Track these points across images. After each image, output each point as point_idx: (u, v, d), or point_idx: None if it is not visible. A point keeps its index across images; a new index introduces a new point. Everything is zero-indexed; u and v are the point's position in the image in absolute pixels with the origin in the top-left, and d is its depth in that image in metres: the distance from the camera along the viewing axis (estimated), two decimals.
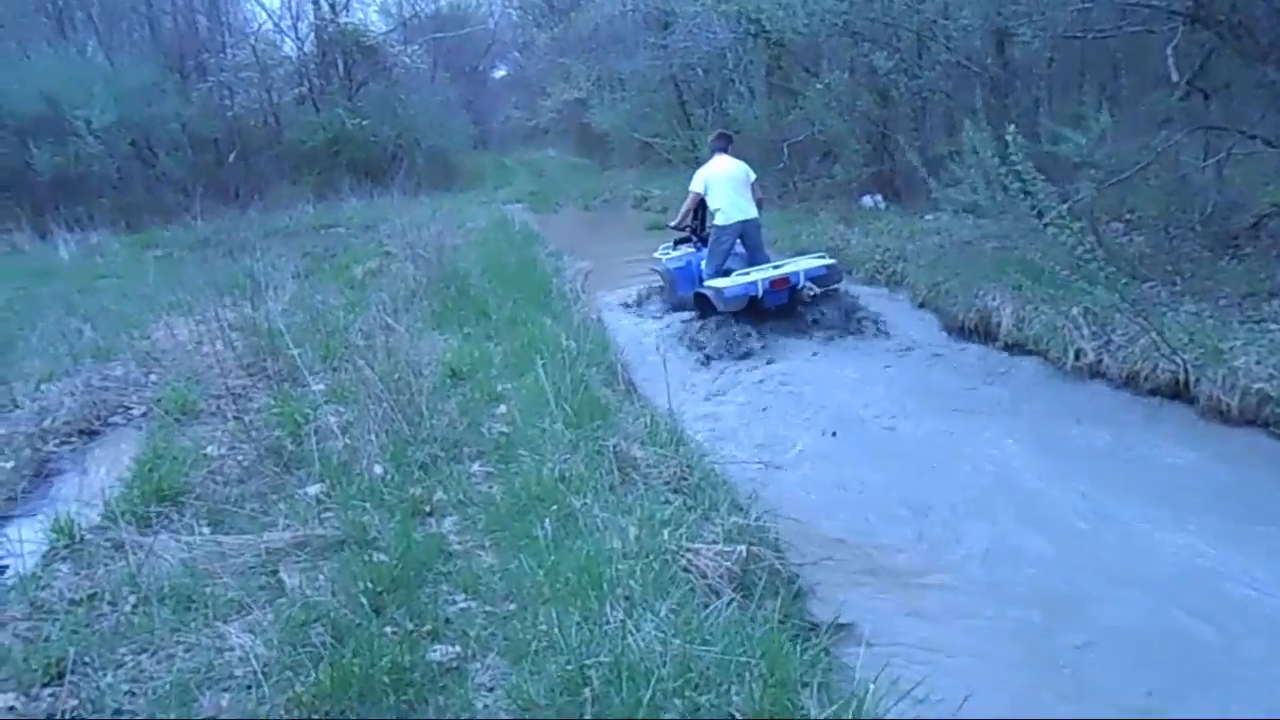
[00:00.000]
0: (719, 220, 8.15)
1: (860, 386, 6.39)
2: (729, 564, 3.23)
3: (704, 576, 3.17)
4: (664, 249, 9.25)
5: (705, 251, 8.40)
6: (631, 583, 2.96)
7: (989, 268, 7.57)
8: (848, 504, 4.59)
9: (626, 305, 9.35)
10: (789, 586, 3.43)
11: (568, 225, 16.36)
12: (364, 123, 22.37)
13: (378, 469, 4.29)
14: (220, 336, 6.86)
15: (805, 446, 5.41)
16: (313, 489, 4.21)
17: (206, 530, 3.91)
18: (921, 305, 8.15)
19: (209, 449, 4.97)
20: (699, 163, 9.60)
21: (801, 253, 8.80)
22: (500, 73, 46.98)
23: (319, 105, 23.27)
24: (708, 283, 7.88)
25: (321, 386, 6.06)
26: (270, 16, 24.77)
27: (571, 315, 7.59)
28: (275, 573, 3.41)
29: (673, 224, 8.97)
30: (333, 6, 23.75)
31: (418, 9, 32.43)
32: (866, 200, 12.83)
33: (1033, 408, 5.71)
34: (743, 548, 3.31)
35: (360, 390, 5.02)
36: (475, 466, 4.43)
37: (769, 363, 7.07)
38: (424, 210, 13.74)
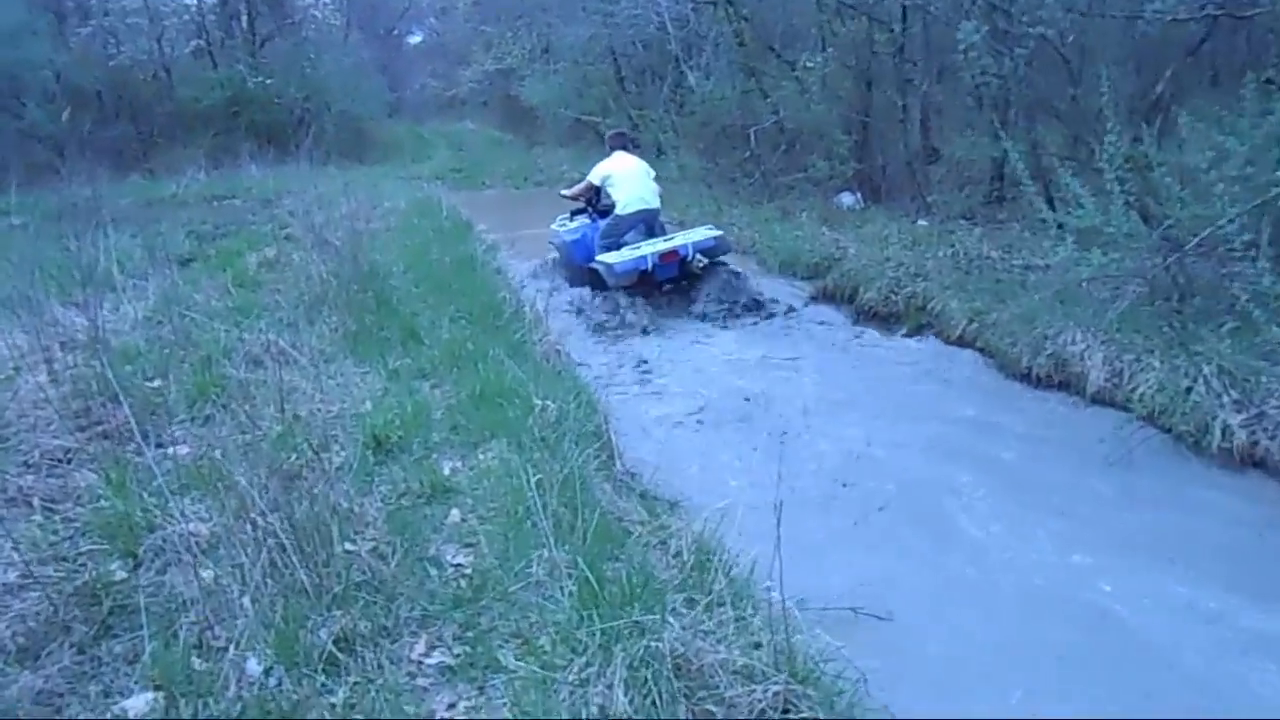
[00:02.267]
0: (619, 210, 8.15)
1: (941, 464, 4.72)
2: None
3: None
4: (560, 220, 9.14)
5: (600, 225, 8.35)
6: None
7: (1050, 297, 6.03)
8: None
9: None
10: None
11: (501, 209, 14.41)
12: (268, 82, 20.05)
13: (253, 665, 2.50)
14: (48, 361, 4.97)
15: (908, 580, 3.65)
16: (136, 703, 2.42)
17: None
18: (959, 340, 6.57)
19: None
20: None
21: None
22: (416, 39, 44.58)
23: (217, 60, 20.91)
24: (599, 257, 7.89)
25: (184, 450, 4.22)
26: None
27: (532, 346, 5.78)
28: None
29: (565, 192, 9.07)
30: None
31: None
32: (845, 198, 11.29)
33: (1201, 527, 4.00)
34: None
35: (234, 492, 3.17)
36: (419, 650, 2.67)
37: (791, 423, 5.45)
38: (334, 184, 11.73)
